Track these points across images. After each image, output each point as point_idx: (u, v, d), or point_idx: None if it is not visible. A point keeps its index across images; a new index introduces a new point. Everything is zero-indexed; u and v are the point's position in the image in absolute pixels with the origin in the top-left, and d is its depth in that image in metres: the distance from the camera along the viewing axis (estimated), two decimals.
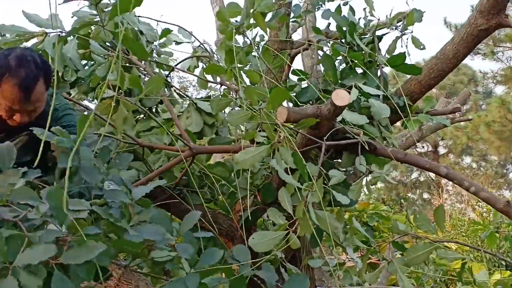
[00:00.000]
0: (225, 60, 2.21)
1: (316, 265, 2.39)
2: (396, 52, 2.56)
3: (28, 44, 2.30)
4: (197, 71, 3.05)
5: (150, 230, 1.57)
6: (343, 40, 2.48)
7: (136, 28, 2.69)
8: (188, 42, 3.10)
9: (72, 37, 2.28)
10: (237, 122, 1.93)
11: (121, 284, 3.00)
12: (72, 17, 2.40)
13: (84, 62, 2.69)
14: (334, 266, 2.48)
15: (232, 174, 2.53)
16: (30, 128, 1.71)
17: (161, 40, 2.94)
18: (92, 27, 2.43)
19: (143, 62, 2.52)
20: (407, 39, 2.63)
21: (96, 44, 2.24)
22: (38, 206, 1.29)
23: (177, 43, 3.04)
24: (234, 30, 2.18)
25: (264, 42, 2.63)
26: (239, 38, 2.39)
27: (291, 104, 2.40)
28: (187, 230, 1.69)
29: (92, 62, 2.63)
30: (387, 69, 2.56)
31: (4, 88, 1.85)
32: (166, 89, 2.83)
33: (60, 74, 2.51)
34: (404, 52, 2.42)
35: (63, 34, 2.23)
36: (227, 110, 2.35)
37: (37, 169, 1.52)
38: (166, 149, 2.18)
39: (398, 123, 2.71)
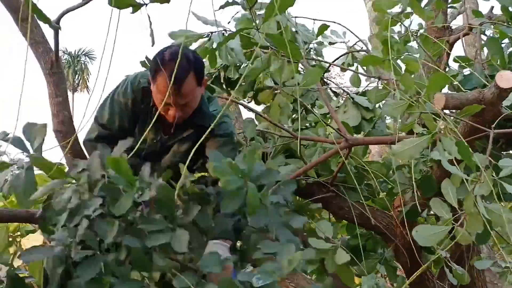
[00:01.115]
0: (382, 50, 2.15)
1: (483, 266, 2.21)
2: None
3: (196, 44, 2.46)
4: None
5: None
6: (509, 22, 2.27)
7: (293, 29, 2.76)
8: (342, 42, 3.08)
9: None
10: (393, 113, 1.86)
11: (283, 281, 3.07)
12: (228, 22, 2.53)
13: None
14: (505, 268, 2.27)
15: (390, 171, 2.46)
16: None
17: (319, 39, 2.97)
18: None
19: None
20: None
21: (260, 38, 2.32)
22: None
23: (331, 43, 3.04)
24: (391, 20, 2.11)
25: (423, 30, 2.51)
26: (396, 29, 2.32)
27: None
28: None
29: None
30: None
31: (158, 81, 1.96)
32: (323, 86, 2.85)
33: (222, 73, 2.65)
34: None
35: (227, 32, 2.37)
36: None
37: None
38: (322, 141, 2.18)
39: None
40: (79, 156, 2.15)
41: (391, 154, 1.73)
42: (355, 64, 3.05)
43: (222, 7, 2.32)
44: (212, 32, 2.45)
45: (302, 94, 2.81)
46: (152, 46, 1.69)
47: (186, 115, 2.06)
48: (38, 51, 2.08)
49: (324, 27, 2.81)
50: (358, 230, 2.36)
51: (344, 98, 2.56)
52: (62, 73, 2.13)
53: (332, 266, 1.99)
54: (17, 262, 3.22)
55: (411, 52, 2.20)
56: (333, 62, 2.87)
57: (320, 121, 2.44)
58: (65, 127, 2.13)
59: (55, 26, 1.98)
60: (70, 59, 26.87)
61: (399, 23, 2.24)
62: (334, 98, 2.95)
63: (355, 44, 3.08)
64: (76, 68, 27.23)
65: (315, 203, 2.40)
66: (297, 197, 2.58)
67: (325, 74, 3.05)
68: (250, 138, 2.36)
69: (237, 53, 2.36)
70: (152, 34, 1.65)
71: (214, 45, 2.31)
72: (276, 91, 2.09)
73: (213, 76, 2.93)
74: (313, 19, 2.88)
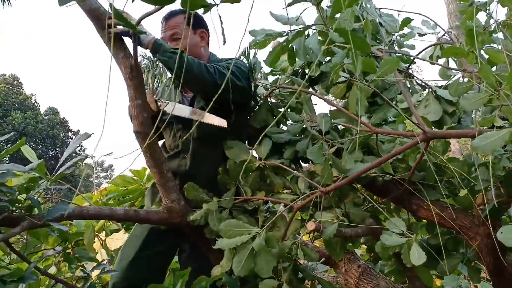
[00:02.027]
0: (465, 41, 2.07)
1: None
2: None
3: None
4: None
5: None
6: None
7: (377, 20, 2.72)
8: (432, 33, 2.98)
9: (313, 32, 2.42)
10: (472, 107, 1.79)
11: (361, 282, 3.04)
12: (296, 20, 2.53)
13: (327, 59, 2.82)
14: None
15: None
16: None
17: (404, 31, 2.90)
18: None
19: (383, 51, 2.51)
20: None
21: (336, 35, 2.31)
22: None
23: (421, 34, 2.95)
24: (475, 9, 2.03)
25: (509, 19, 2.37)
26: (481, 18, 2.22)
27: None
28: None
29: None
30: None
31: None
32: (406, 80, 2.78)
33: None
34: None
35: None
36: None
37: None
38: (399, 134, 2.13)
39: None
40: (157, 157, 2.27)
41: (471, 148, 1.66)
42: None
43: (290, 4, 2.33)
44: (290, 31, 2.47)
45: (385, 88, 2.76)
46: (224, 44, 1.75)
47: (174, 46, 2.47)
48: (119, 57, 2.17)
49: (407, 20, 2.74)
50: (439, 229, 2.29)
51: (425, 92, 2.48)
52: (141, 77, 2.21)
53: (408, 260, 1.94)
54: (103, 256, 3.44)
55: (496, 43, 2.09)
56: (417, 55, 2.79)
57: (399, 116, 2.39)
58: (144, 129, 2.22)
59: (135, 32, 2.09)
60: (149, 63, 28.03)
61: (485, 13, 2.14)
62: (423, 92, 2.87)
63: (443, 35, 2.98)
64: (155, 72, 28.37)
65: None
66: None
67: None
68: (325, 132, 2.36)
69: (315, 51, 2.37)
70: (223, 33, 1.71)
71: (291, 44, 2.33)
72: (351, 84, 2.06)
73: (298, 73, 2.95)
74: (398, 11, 2.82)
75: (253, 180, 2.36)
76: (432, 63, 2.80)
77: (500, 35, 2.24)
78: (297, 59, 2.51)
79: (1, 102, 36.71)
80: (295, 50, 2.39)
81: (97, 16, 2.10)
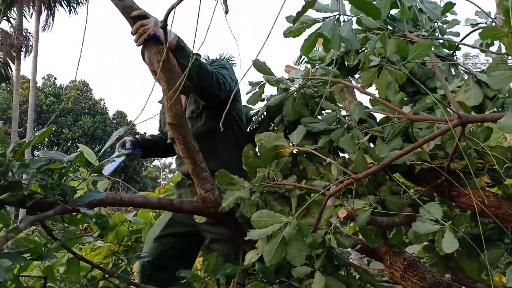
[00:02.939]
0: (504, 22, 1.98)
1: None
2: None
3: (311, 29, 2.46)
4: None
5: None
6: None
7: (418, 6, 2.66)
8: (485, 23, 2.87)
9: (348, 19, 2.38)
10: (500, 85, 1.71)
11: (407, 275, 2.97)
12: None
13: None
14: None
15: None
16: None
17: (448, 18, 2.81)
18: None
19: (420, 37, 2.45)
20: None
21: (369, 19, 2.26)
22: None
23: (473, 25, 2.85)
24: None
25: None
26: None
27: None
28: None
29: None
30: None
31: None
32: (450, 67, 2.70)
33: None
34: None
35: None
36: None
37: None
38: (434, 120, 2.06)
39: None
40: (191, 147, 2.33)
41: (497, 127, 1.59)
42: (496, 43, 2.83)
43: None
44: (327, 17, 2.43)
45: (429, 76, 2.69)
46: (226, 14, 1.75)
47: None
48: (152, 51, 2.25)
49: (449, 5, 2.65)
50: (481, 219, 2.20)
51: (466, 78, 2.39)
52: (173, 69, 2.27)
53: (441, 248, 1.87)
54: None
55: None
56: (461, 41, 2.70)
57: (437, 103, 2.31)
58: (178, 120, 2.28)
59: (164, 25, 2.14)
60: None
61: None
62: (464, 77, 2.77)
63: (492, 22, 2.86)
64: None
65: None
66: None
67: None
68: (359, 121, 2.32)
69: (351, 40, 2.30)
70: (225, 2, 1.72)
71: (325, 33, 2.27)
72: (381, 68, 2.01)
73: (336, 62, 2.92)
74: None
75: (284, 165, 2.33)
76: (483, 51, 2.71)
77: None
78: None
79: (72, 107, 38.28)
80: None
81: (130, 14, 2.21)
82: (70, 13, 24.44)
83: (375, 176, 2.31)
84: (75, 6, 24.81)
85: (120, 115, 44.04)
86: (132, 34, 2.24)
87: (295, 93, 2.51)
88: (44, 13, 22.53)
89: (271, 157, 2.31)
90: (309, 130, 2.45)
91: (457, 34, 2.82)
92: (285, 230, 1.99)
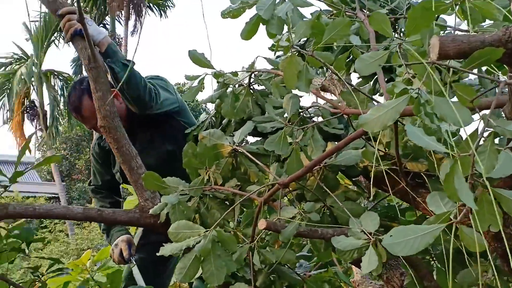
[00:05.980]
0: None
1: None
2: None
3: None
4: None
5: None
6: None
7: None
8: None
9: None
10: (368, 70, 1.37)
11: None
12: None
13: None
14: None
15: None
16: None
17: None
18: None
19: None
20: None
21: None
22: None
23: None
24: None
25: None
26: None
27: None
28: None
29: None
30: None
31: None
32: None
33: None
34: None
35: None
36: None
37: None
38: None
39: None
40: (125, 152, 2.18)
41: (357, 126, 1.26)
42: None
43: None
44: None
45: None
46: None
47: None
48: (78, 48, 2.15)
49: None
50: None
51: None
52: (100, 67, 2.14)
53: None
54: None
55: None
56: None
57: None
58: (108, 122, 2.13)
59: (83, 21, 2.01)
60: None
61: None
62: None
63: None
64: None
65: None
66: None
67: None
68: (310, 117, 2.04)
69: (293, 22, 1.98)
70: None
71: (261, 13, 1.98)
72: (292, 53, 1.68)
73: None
74: None
75: (225, 167, 2.08)
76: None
77: None
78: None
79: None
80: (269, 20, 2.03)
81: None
82: (161, 17, 25.19)
83: (325, 180, 2.01)
84: (165, 10, 25.55)
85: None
86: (60, 31, 2.19)
87: (243, 90, 2.23)
88: (132, 18, 23.40)
89: (211, 157, 2.07)
90: (260, 131, 2.20)
91: None
92: (198, 245, 1.77)
